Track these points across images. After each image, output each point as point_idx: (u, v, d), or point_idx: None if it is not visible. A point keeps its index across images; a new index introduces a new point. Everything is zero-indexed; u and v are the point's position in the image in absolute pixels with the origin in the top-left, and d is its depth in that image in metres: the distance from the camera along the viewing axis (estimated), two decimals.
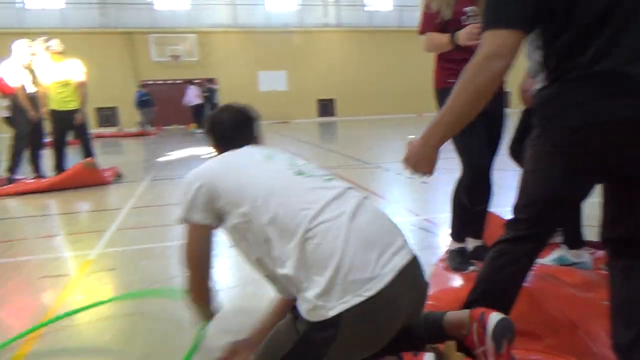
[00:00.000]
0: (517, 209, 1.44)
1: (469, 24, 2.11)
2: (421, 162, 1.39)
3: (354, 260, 1.22)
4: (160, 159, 8.49)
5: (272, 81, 20.99)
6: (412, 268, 1.32)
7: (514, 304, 1.49)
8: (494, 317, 1.37)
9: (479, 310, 1.42)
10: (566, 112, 1.20)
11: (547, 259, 2.37)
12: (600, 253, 2.40)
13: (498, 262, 1.47)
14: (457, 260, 2.32)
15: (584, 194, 1.46)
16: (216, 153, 1.73)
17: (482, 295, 1.49)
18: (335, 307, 1.19)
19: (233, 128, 1.73)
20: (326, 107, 21.88)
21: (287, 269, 1.28)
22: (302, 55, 21.01)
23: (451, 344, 1.41)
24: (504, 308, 1.45)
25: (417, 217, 3.67)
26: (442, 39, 2.17)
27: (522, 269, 1.46)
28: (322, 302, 1.20)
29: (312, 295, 1.21)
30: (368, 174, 6.08)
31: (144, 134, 15.50)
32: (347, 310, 1.18)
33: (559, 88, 1.22)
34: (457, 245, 2.39)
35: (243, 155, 1.58)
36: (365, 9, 21.61)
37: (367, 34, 21.27)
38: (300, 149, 9.17)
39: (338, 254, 1.23)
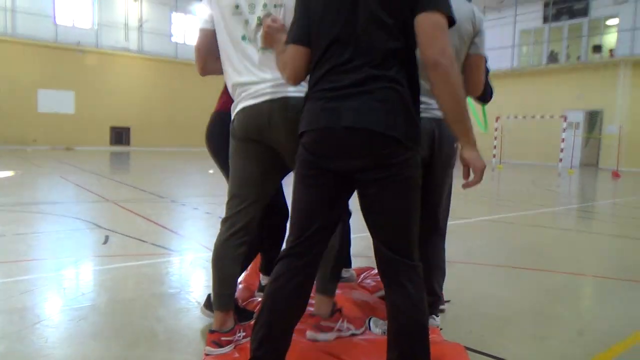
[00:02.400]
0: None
1: None
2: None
3: None
4: None
5: (56, 102, 18.47)
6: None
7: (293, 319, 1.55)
8: None
9: None
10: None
11: None
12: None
13: (273, 277, 1.54)
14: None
15: (321, 200, 1.52)
16: None
17: (260, 308, 1.55)
18: None
19: None
20: (120, 136, 20.21)
21: None
22: (95, 77, 19.15)
23: None
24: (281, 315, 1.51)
25: None
26: None
27: (292, 282, 1.52)
28: None
29: None
30: (162, 208, 5.70)
31: None
32: None
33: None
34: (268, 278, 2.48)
35: None
36: (172, 39, 21.09)
37: (171, 64, 20.60)
38: (84, 180, 8.16)
39: None
